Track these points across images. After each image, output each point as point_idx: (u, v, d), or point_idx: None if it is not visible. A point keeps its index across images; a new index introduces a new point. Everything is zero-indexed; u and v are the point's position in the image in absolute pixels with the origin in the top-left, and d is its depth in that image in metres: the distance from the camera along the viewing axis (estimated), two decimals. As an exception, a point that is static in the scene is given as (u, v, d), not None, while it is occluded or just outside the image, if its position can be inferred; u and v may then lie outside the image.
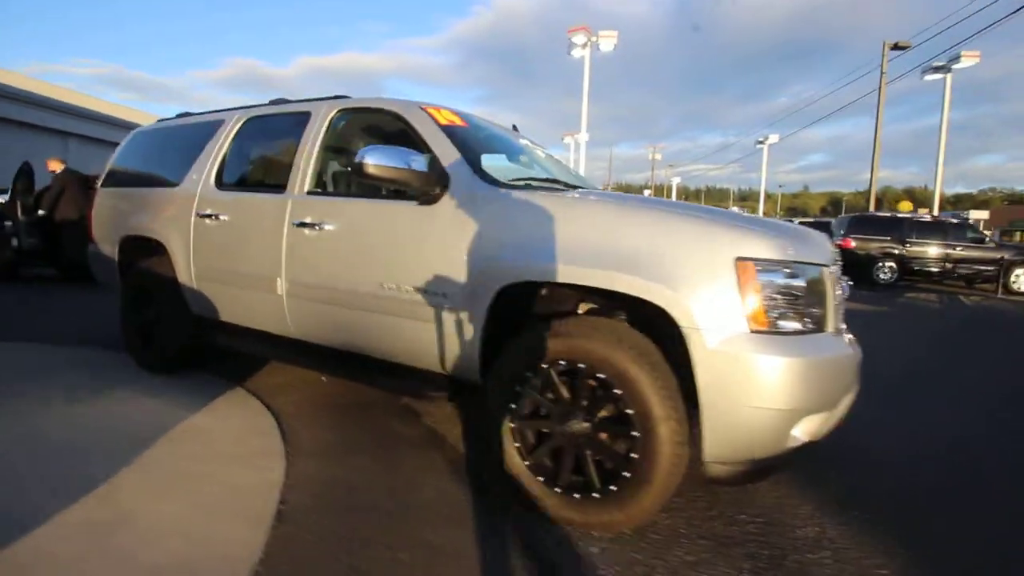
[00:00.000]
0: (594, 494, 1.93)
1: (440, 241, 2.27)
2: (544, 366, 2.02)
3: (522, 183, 2.44)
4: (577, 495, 1.97)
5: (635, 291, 1.83)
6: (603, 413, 1.94)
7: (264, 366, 3.88)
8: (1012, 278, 12.40)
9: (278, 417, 2.90)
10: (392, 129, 2.80)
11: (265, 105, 3.35)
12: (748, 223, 1.88)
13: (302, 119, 2.98)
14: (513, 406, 2.10)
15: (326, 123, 2.86)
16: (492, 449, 2.15)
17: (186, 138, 3.63)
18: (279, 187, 2.94)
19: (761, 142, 33.01)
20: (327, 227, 2.64)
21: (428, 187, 2.30)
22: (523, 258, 2.03)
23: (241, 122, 3.31)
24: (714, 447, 1.77)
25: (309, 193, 2.80)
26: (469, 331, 2.20)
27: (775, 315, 1.74)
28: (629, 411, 1.85)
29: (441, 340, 2.29)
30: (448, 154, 2.39)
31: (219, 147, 3.32)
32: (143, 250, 3.66)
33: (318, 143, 2.84)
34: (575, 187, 2.75)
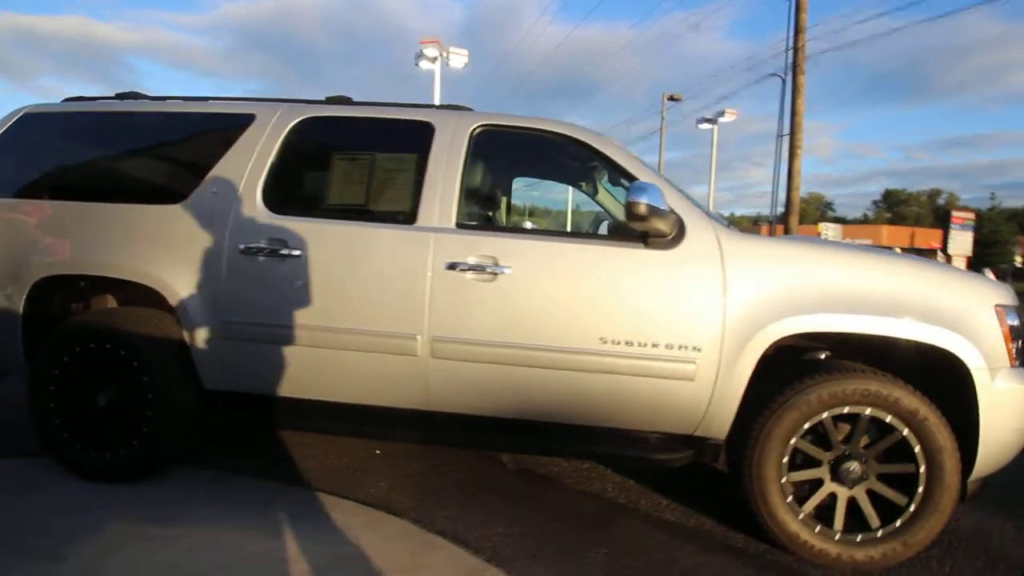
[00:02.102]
0: (878, 532, 2.02)
1: (691, 288, 2.06)
2: (825, 415, 2.02)
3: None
4: (859, 536, 2.03)
5: (928, 339, 1.98)
6: (879, 452, 2.04)
7: (256, 444, 2.89)
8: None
9: (418, 519, 2.22)
10: (545, 155, 2.41)
11: (321, 102, 2.50)
12: (973, 274, 2.20)
13: (419, 131, 2.33)
14: (785, 460, 2.04)
15: (465, 141, 2.29)
16: (760, 509, 2.05)
17: (174, 133, 2.49)
18: (398, 216, 2.26)
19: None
20: (506, 271, 2.13)
21: (670, 230, 2.06)
22: (831, 311, 1.99)
23: (295, 122, 2.40)
24: (982, 466, 2.02)
25: (460, 227, 2.21)
26: (729, 387, 2.06)
27: (1016, 350, 2.09)
28: (916, 448, 1.99)
29: (694, 398, 2.08)
30: (670, 192, 2.17)
31: (261, 153, 2.35)
32: (80, 298, 2.40)
33: (460, 164, 2.26)
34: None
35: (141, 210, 2.37)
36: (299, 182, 2.48)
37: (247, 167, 2.33)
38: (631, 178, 2.21)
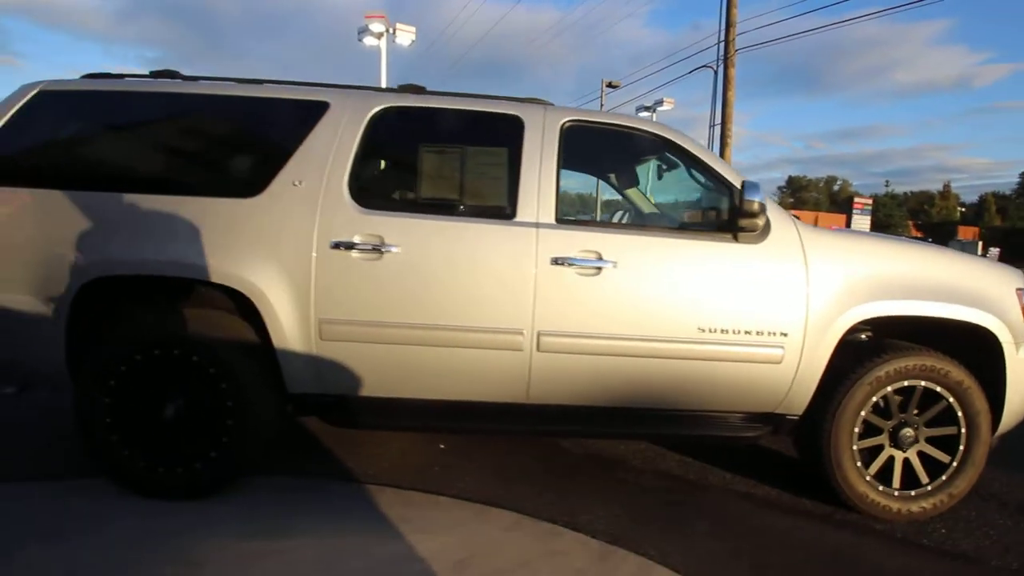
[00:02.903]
0: (928, 487, 2.34)
1: (779, 279, 2.24)
2: (888, 389, 2.29)
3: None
4: (913, 492, 2.34)
5: (965, 318, 2.29)
6: (929, 418, 2.35)
7: (307, 447, 2.80)
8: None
9: (519, 508, 2.26)
10: (620, 151, 2.48)
11: (396, 92, 2.40)
12: (998, 263, 2.54)
13: (507, 125, 2.31)
14: (856, 430, 2.30)
15: (555, 137, 2.31)
16: (835, 474, 2.30)
17: (233, 119, 2.29)
18: (496, 211, 2.25)
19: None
20: (610, 265, 2.20)
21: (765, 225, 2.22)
22: (901, 299, 2.24)
23: (373, 112, 2.28)
24: (1007, 422, 2.39)
25: (560, 222, 2.24)
26: (810, 368, 2.27)
27: (1027, 327, 2.46)
28: (959, 413, 2.31)
29: (780, 379, 2.27)
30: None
31: (343, 144, 2.22)
32: (140, 302, 2.19)
33: (555, 159, 2.28)
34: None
35: (213, 204, 2.17)
36: (385, 175, 2.38)
37: (329, 159, 2.21)
38: (718, 177, 2.34)
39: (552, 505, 2.31)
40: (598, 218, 2.69)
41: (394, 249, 2.15)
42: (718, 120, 17.22)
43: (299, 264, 2.14)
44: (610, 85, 24.14)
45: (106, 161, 2.31)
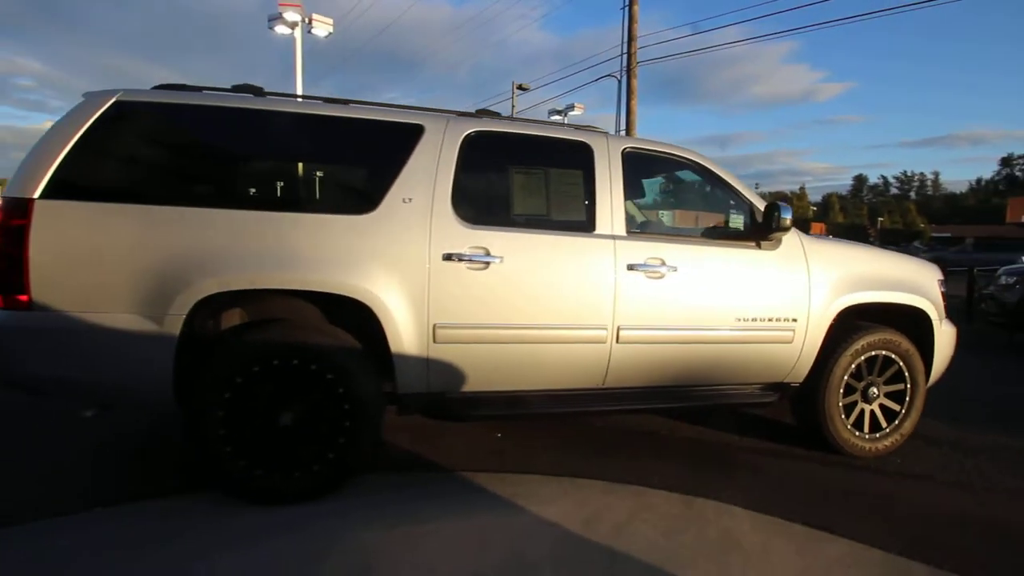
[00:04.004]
0: (881, 431, 3.10)
1: (791, 277, 2.85)
2: (861, 358, 3.01)
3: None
4: (877, 434, 3.09)
5: (909, 302, 3.07)
6: (887, 378, 3.11)
7: (425, 439, 2.98)
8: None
9: (601, 476, 2.66)
10: (658, 173, 2.96)
11: (478, 117, 2.65)
12: (924, 261, 3.38)
13: (578, 150, 2.68)
14: (841, 391, 3.00)
15: (619, 161, 2.72)
16: (828, 426, 2.98)
17: (332, 138, 2.40)
18: (576, 225, 2.62)
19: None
20: (668, 269, 2.66)
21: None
22: (870, 291, 2.94)
23: (465, 135, 2.52)
24: (933, 378, 3.23)
25: (630, 234, 2.66)
26: (811, 345, 2.92)
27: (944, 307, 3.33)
28: (906, 374, 3.10)
29: (790, 355, 2.89)
30: (759, 204, 2.92)
31: (443, 164, 2.44)
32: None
33: (621, 180, 2.69)
34: None
35: (329, 220, 2.29)
36: (481, 192, 2.62)
37: (434, 178, 2.43)
38: (740, 196, 2.91)
39: (624, 472, 2.74)
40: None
41: (498, 259, 2.44)
42: (623, 127, 18.68)
43: (415, 274, 2.34)
44: (520, 87, 24.93)
45: (212, 177, 2.32)
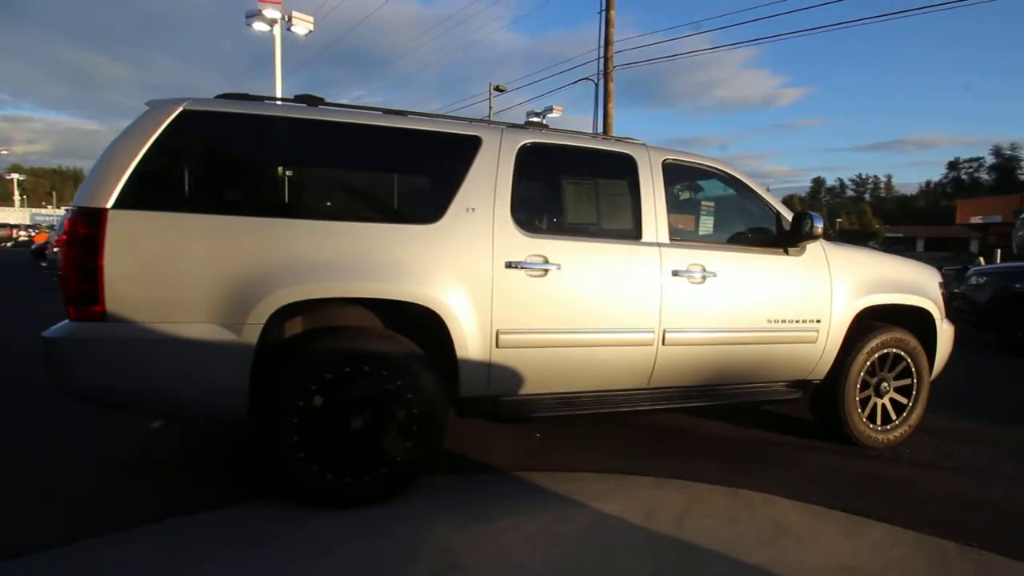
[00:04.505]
0: (892, 423, 3.35)
1: (815, 282, 3.05)
2: (875, 356, 3.24)
3: None
4: (888, 426, 3.34)
5: (916, 303, 3.32)
6: (896, 374, 3.35)
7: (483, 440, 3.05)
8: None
9: (646, 472, 2.80)
10: (701, 183, 3.12)
11: (527, 128, 2.74)
12: (927, 265, 3.65)
13: (619, 161, 2.81)
14: (857, 386, 3.22)
15: (660, 172, 2.86)
16: (846, 419, 3.20)
17: (395, 149, 2.46)
18: (624, 233, 2.75)
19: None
20: (708, 274, 2.82)
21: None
22: (883, 293, 3.17)
23: (519, 146, 2.62)
24: (935, 371, 3.49)
25: (672, 241, 2.80)
26: (832, 344, 3.13)
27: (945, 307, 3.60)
28: (913, 369, 3.36)
29: (814, 354, 3.09)
30: (785, 213, 3.11)
31: (501, 174, 2.53)
32: (322, 321, 2.30)
33: (663, 189, 2.83)
34: None
35: (397, 230, 2.35)
36: (536, 202, 2.71)
37: (494, 188, 2.52)
38: (768, 206, 3.10)
39: (667, 468, 2.89)
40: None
41: (555, 267, 2.54)
42: (600, 130, 19.03)
43: (480, 282, 2.43)
44: (497, 88, 25.04)
45: (284, 188, 2.34)
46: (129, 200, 2.10)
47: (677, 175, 3.05)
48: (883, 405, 3.35)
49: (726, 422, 3.67)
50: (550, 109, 19.93)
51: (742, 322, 2.91)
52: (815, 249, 3.11)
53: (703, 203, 3.74)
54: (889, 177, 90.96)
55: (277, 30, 13.34)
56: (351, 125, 2.44)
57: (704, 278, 2.81)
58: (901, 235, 51.81)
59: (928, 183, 77.52)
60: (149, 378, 2.12)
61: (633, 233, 2.76)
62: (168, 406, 2.26)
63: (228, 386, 2.18)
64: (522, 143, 2.64)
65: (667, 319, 2.74)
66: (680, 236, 2.90)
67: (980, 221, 31.28)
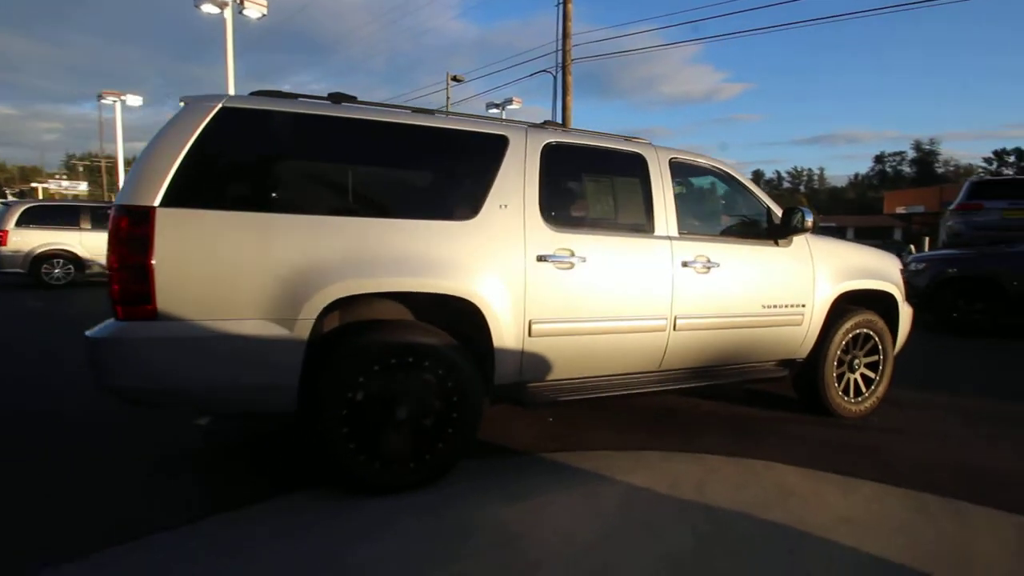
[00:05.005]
0: (862, 395, 3.75)
1: (801, 270, 3.37)
2: (849, 335, 3.62)
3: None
4: (859, 398, 3.73)
5: (883, 288, 3.72)
6: (866, 351, 3.75)
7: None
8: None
9: (664, 447, 3.03)
10: (694, 177, 3.36)
11: (545, 128, 2.89)
12: (889, 253, 4.06)
13: (631, 159, 3.00)
14: (835, 363, 3.59)
15: (667, 169, 3.08)
16: (825, 392, 3.56)
17: (427, 147, 2.54)
18: (639, 227, 2.95)
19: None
20: (712, 265, 3.07)
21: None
22: (856, 279, 3.52)
23: (542, 145, 2.76)
24: (897, 349, 3.92)
25: (680, 235, 3.03)
26: (815, 326, 3.47)
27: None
28: (880, 347, 3.76)
29: (799, 335, 3.42)
30: (776, 208, 3.41)
31: (529, 172, 2.66)
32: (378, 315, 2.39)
33: (670, 187, 3.05)
34: None
35: (439, 226, 2.45)
36: (560, 198, 2.85)
37: (523, 185, 2.66)
38: (760, 201, 3.38)
39: (676, 442, 3.14)
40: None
41: (581, 260, 2.72)
42: (560, 122, 19.31)
43: (514, 275, 2.57)
44: (455, 79, 24.87)
45: (329, 185, 2.39)
46: (175, 198, 2.11)
47: (681, 172, 3.28)
48: (855, 380, 3.74)
49: (716, 401, 3.98)
50: (510, 101, 20.06)
51: (740, 308, 3.19)
52: (800, 240, 3.43)
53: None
54: (822, 170, 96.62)
55: (228, 13, 12.77)
56: (392, 124, 2.52)
57: (708, 268, 3.06)
58: (834, 224, 55.47)
59: (857, 175, 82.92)
60: (201, 376, 2.15)
61: (646, 227, 2.97)
62: (217, 403, 2.29)
63: (280, 381, 2.23)
64: (546, 142, 2.79)
65: (678, 306, 2.97)
66: (687, 230, 3.14)
67: (904, 211, 33.87)
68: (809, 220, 3.19)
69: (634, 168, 3.02)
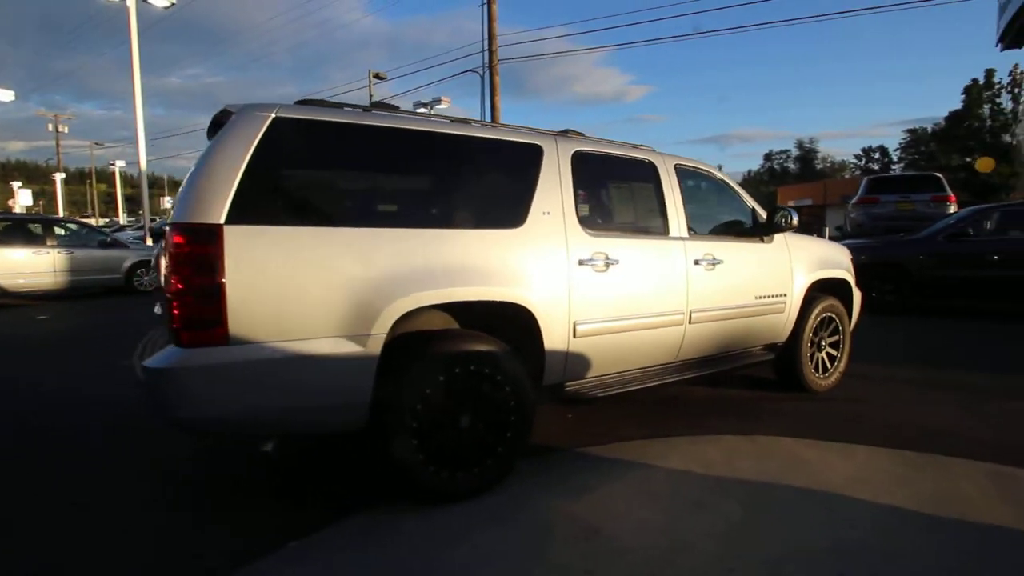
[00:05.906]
0: (828, 371, 4.26)
1: (782, 263, 3.77)
2: (818, 318, 4.09)
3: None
4: (826, 374, 4.23)
5: (841, 276, 4.24)
6: (829, 332, 4.26)
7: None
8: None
9: (685, 433, 3.28)
10: (698, 183, 3.66)
11: (568, 136, 3.02)
12: (841, 245, 4.61)
13: (644, 166, 3.22)
14: (808, 344, 4.05)
15: (675, 174, 3.33)
16: (801, 370, 4.01)
17: (471, 157, 2.59)
18: (657, 229, 3.17)
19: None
20: (716, 262, 3.37)
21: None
22: (823, 270, 3.98)
23: (571, 154, 2.89)
24: (853, 326, 4.48)
25: (690, 235, 3.29)
26: (793, 313, 3.90)
27: (850, 278, 4.59)
28: (840, 327, 4.29)
29: (782, 321, 3.83)
30: (759, 208, 3.79)
31: (564, 180, 2.78)
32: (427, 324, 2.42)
33: (679, 190, 3.30)
34: None
35: (492, 235, 2.51)
36: (589, 204, 2.98)
37: (560, 192, 2.78)
38: (746, 204, 3.74)
39: (691, 428, 3.42)
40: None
41: (615, 262, 2.89)
42: (488, 118, 19.49)
43: (560, 280, 2.69)
44: (377, 76, 24.23)
45: (389, 197, 2.35)
46: (239, 214, 2.01)
47: (683, 177, 3.56)
48: (822, 358, 4.24)
49: (705, 388, 4.33)
50: (438, 100, 19.91)
51: (739, 299, 3.53)
52: (780, 237, 3.84)
53: None
54: (720, 167, 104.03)
55: (132, 1, 11.63)
56: (446, 135, 2.54)
57: (714, 265, 3.36)
58: (734, 217, 60.83)
59: (750, 172, 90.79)
60: (275, 400, 2.07)
61: (663, 229, 3.20)
62: (288, 427, 2.20)
63: (355, 399, 2.19)
64: (574, 150, 2.93)
65: (692, 301, 3.24)
66: (694, 230, 3.41)
67: (794, 204, 37.72)
68: (794, 219, 3.59)
69: (647, 174, 3.24)
